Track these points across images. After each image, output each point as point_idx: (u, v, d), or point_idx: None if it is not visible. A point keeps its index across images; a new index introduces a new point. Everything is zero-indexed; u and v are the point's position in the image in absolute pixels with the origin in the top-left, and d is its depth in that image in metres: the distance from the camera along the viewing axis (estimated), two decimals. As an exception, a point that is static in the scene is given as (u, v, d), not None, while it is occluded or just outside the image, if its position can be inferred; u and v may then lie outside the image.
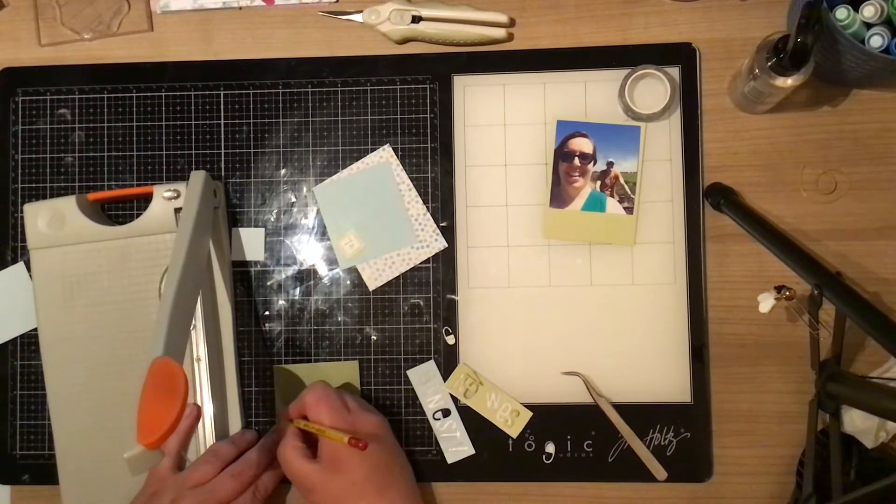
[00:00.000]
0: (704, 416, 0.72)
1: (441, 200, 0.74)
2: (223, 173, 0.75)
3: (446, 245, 0.74)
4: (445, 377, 0.73)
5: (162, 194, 0.72)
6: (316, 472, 0.64)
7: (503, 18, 0.74)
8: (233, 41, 0.77)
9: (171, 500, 0.64)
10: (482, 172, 0.74)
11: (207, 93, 0.76)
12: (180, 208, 0.71)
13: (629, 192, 0.73)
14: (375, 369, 0.74)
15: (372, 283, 0.74)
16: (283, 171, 0.75)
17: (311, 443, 0.67)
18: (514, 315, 0.73)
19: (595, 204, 0.73)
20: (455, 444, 0.73)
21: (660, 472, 0.71)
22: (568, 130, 0.74)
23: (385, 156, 0.75)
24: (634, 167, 0.73)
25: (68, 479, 0.71)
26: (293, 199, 0.75)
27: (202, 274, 0.67)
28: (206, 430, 0.70)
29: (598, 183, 0.73)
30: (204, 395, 0.70)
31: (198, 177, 0.69)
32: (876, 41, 0.66)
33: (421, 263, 0.74)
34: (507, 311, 0.73)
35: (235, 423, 0.72)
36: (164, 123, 0.76)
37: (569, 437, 0.72)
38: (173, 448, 0.66)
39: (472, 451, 0.73)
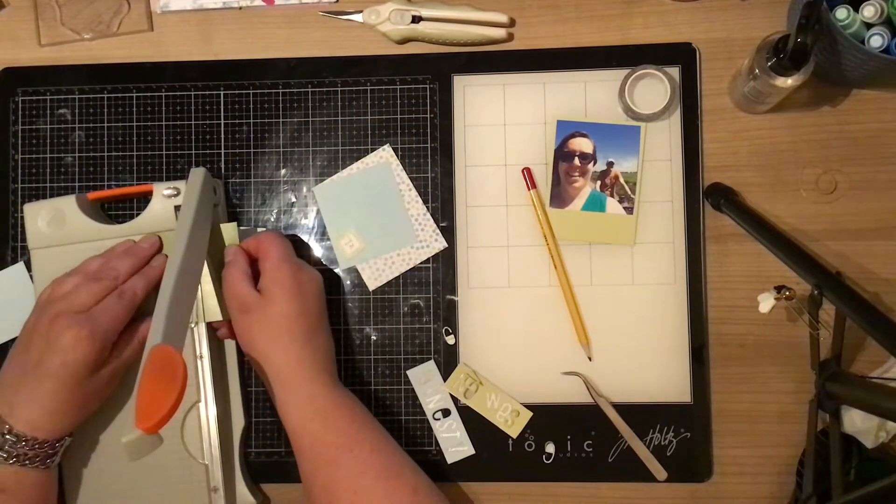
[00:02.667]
0: (704, 416, 0.72)
1: (441, 200, 0.74)
2: (223, 173, 0.75)
3: (446, 245, 0.74)
4: (445, 377, 0.73)
5: (162, 192, 0.72)
6: (256, 296, 0.66)
7: (503, 18, 0.74)
8: (233, 41, 0.77)
9: (36, 316, 0.65)
10: (482, 172, 0.74)
11: (207, 93, 0.76)
12: (181, 206, 0.71)
13: (629, 192, 0.73)
14: (375, 369, 0.74)
15: (372, 283, 0.74)
16: (283, 171, 0.75)
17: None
18: (514, 315, 0.73)
19: (595, 204, 0.73)
20: (455, 444, 0.73)
21: (660, 472, 0.71)
22: (568, 130, 0.74)
23: (385, 156, 0.75)
24: (634, 167, 0.73)
25: (69, 478, 0.71)
26: (293, 199, 0.75)
27: (201, 269, 0.67)
28: (210, 429, 0.70)
29: (598, 183, 0.73)
30: (207, 393, 0.70)
31: (197, 173, 0.69)
32: (876, 41, 0.66)
33: (421, 263, 0.74)
34: (507, 311, 0.73)
35: (238, 421, 0.72)
36: (163, 123, 0.76)
37: (569, 437, 0.72)
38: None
39: (472, 451, 0.73)
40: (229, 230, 0.70)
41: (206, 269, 0.68)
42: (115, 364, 0.66)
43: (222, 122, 0.76)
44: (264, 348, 0.66)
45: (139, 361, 0.56)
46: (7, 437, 0.61)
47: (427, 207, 0.74)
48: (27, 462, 0.62)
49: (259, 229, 0.75)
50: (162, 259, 0.70)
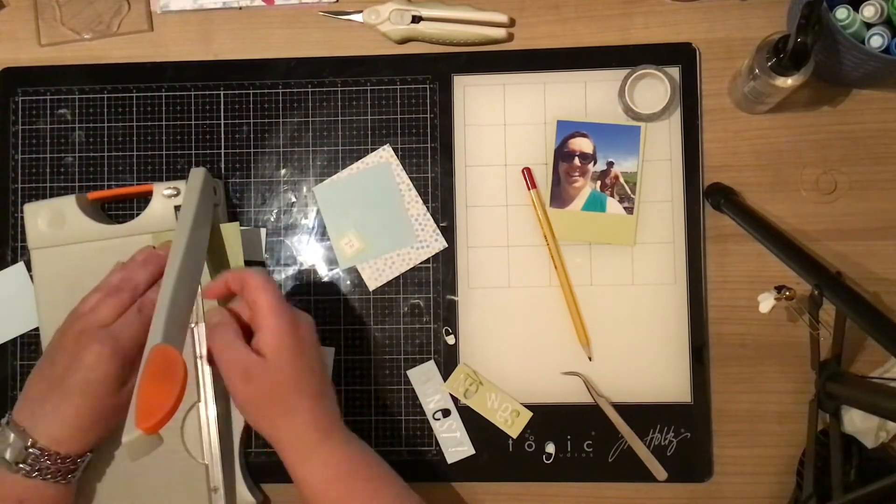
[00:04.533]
0: (704, 416, 0.72)
1: (441, 200, 0.74)
2: (223, 173, 0.75)
3: (446, 245, 0.74)
4: (445, 377, 0.73)
5: (162, 192, 0.72)
6: (258, 362, 0.60)
7: (503, 18, 0.74)
8: (233, 41, 0.77)
9: (62, 331, 0.65)
10: (482, 172, 0.74)
11: (207, 93, 0.76)
12: (180, 206, 0.71)
13: (629, 192, 0.73)
14: (375, 369, 0.74)
15: (372, 283, 0.74)
16: (283, 171, 0.75)
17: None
18: (514, 315, 0.73)
19: (595, 204, 0.73)
20: (455, 444, 0.73)
21: (660, 472, 0.71)
22: (568, 130, 0.74)
23: (385, 156, 0.75)
24: (634, 167, 0.73)
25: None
26: (293, 199, 0.75)
27: (201, 269, 0.67)
28: (210, 429, 0.70)
29: (598, 183, 0.73)
30: (207, 393, 0.70)
31: (197, 173, 0.69)
32: (876, 41, 0.66)
33: (421, 263, 0.74)
34: (507, 311, 0.73)
35: (238, 421, 0.72)
36: (164, 123, 0.76)
37: (569, 437, 0.72)
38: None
39: (472, 451, 0.73)
40: (231, 230, 0.70)
41: (205, 270, 0.68)
42: (136, 381, 0.65)
43: (222, 122, 0.76)
44: (272, 415, 0.61)
45: None
46: (30, 450, 0.61)
47: (427, 207, 0.74)
48: (48, 476, 0.62)
49: (253, 232, 0.75)
50: None
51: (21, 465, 0.61)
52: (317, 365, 0.63)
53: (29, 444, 0.61)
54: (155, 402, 0.54)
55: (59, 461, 0.62)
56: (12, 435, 0.62)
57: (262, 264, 0.75)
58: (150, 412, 0.54)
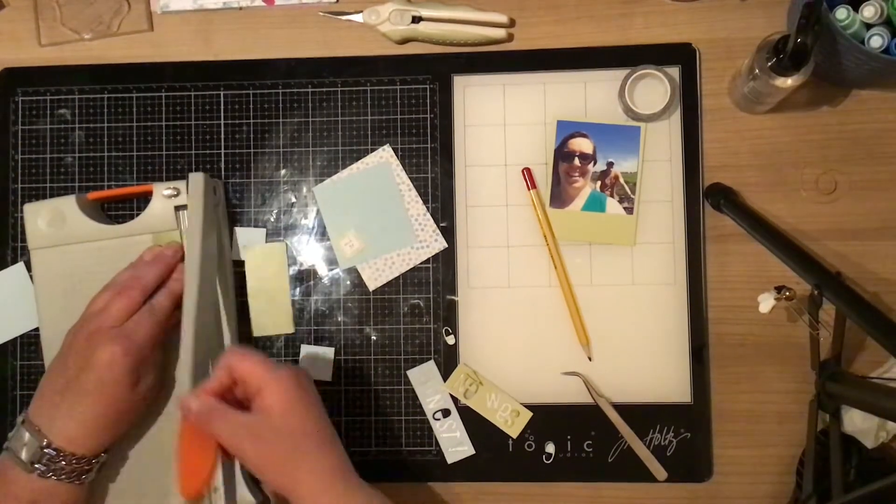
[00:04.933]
0: (704, 416, 0.72)
1: (441, 200, 0.74)
2: (223, 173, 0.75)
3: (446, 245, 0.74)
4: (445, 377, 0.73)
5: (162, 192, 0.72)
6: (262, 419, 0.58)
7: (503, 19, 0.74)
8: (233, 41, 0.77)
9: (74, 332, 0.65)
10: (482, 172, 0.74)
11: (207, 93, 0.76)
12: (180, 206, 0.71)
13: (629, 192, 0.73)
14: (375, 369, 0.74)
15: (372, 283, 0.74)
16: (283, 171, 0.75)
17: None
18: (514, 315, 0.73)
19: (595, 204, 0.73)
20: (455, 444, 0.73)
21: (660, 472, 0.71)
22: (568, 130, 0.74)
23: (385, 156, 0.75)
24: (634, 167, 0.73)
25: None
26: (293, 199, 0.75)
27: (215, 278, 0.67)
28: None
29: (598, 183, 0.73)
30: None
31: (197, 180, 0.69)
32: (876, 41, 0.66)
33: (421, 263, 0.74)
34: (507, 311, 0.73)
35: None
36: (164, 123, 0.76)
37: (569, 437, 0.72)
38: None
39: (472, 451, 0.73)
40: (276, 251, 0.70)
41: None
42: (149, 380, 0.66)
43: (222, 122, 0.76)
44: (291, 470, 0.58)
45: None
46: (46, 451, 0.62)
47: (427, 207, 0.74)
48: (63, 476, 0.62)
49: (253, 231, 0.75)
50: (182, 271, 0.69)
51: (36, 466, 0.61)
52: (324, 414, 0.61)
53: (45, 444, 0.62)
54: (195, 466, 0.55)
55: (73, 461, 0.62)
56: (27, 435, 0.62)
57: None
58: (191, 477, 0.56)
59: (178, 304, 0.68)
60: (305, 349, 0.74)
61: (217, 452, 0.55)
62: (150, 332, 0.65)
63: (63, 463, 0.62)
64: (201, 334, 0.64)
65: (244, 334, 0.74)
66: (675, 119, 0.73)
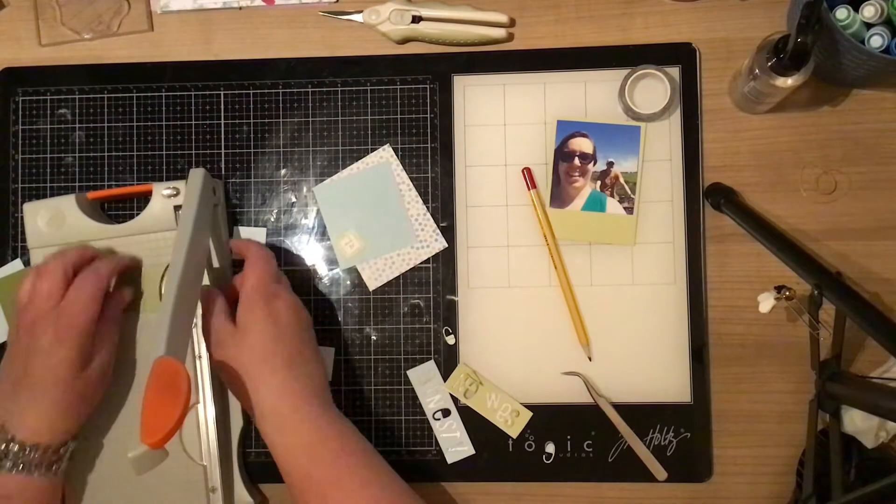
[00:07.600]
0: (704, 416, 0.72)
1: (441, 200, 0.74)
2: (223, 173, 0.75)
3: (446, 245, 0.74)
4: (445, 377, 0.73)
5: (161, 192, 0.72)
6: (230, 329, 0.64)
7: (503, 18, 0.74)
8: (233, 41, 0.77)
9: (15, 326, 0.65)
10: (482, 172, 0.74)
11: (207, 93, 0.76)
12: (180, 206, 0.71)
13: (629, 192, 0.73)
14: (375, 369, 0.74)
15: (372, 283, 0.74)
16: (283, 171, 0.75)
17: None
18: (514, 315, 0.73)
19: (595, 204, 0.73)
20: (455, 444, 0.73)
21: (660, 472, 0.71)
22: (568, 130, 0.74)
23: (385, 156, 0.75)
24: (634, 167, 0.73)
25: (68, 479, 0.71)
26: (293, 199, 0.75)
27: (202, 271, 0.67)
28: (209, 430, 0.70)
29: (598, 183, 0.73)
30: (206, 394, 0.70)
31: (197, 174, 0.69)
32: (876, 41, 0.66)
33: (421, 263, 0.74)
34: (507, 311, 0.73)
35: (237, 422, 0.72)
36: (164, 123, 0.76)
37: (569, 437, 0.72)
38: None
39: (472, 451, 0.73)
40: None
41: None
42: (101, 358, 0.66)
43: (222, 122, 0.76)
44: (243, 382, 0.63)
45: (132, 364, 0.56)
46: (11, 446, 0.61)
47: (427, 207, 0.74)
48: (34, 469, 0.62)
49: (253, 231, 0.75)
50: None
51: (4, 462, 0.61)
52: (290, 340, 0.65)
53: (10, 439, 0.62)
54: (160, 416, 0.54)
55: (40, 453, 0.62)
56: None
57: None
58: (155, 427, 0.54)
59: (115, 272, 0.68)
60: None
61: (186, 403, 0.55)
62: (87, 306, 0.64)
63: (31, 455, 0.62)
64: (178, 330, 0.63)
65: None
66: (675, 119, 0.73)
